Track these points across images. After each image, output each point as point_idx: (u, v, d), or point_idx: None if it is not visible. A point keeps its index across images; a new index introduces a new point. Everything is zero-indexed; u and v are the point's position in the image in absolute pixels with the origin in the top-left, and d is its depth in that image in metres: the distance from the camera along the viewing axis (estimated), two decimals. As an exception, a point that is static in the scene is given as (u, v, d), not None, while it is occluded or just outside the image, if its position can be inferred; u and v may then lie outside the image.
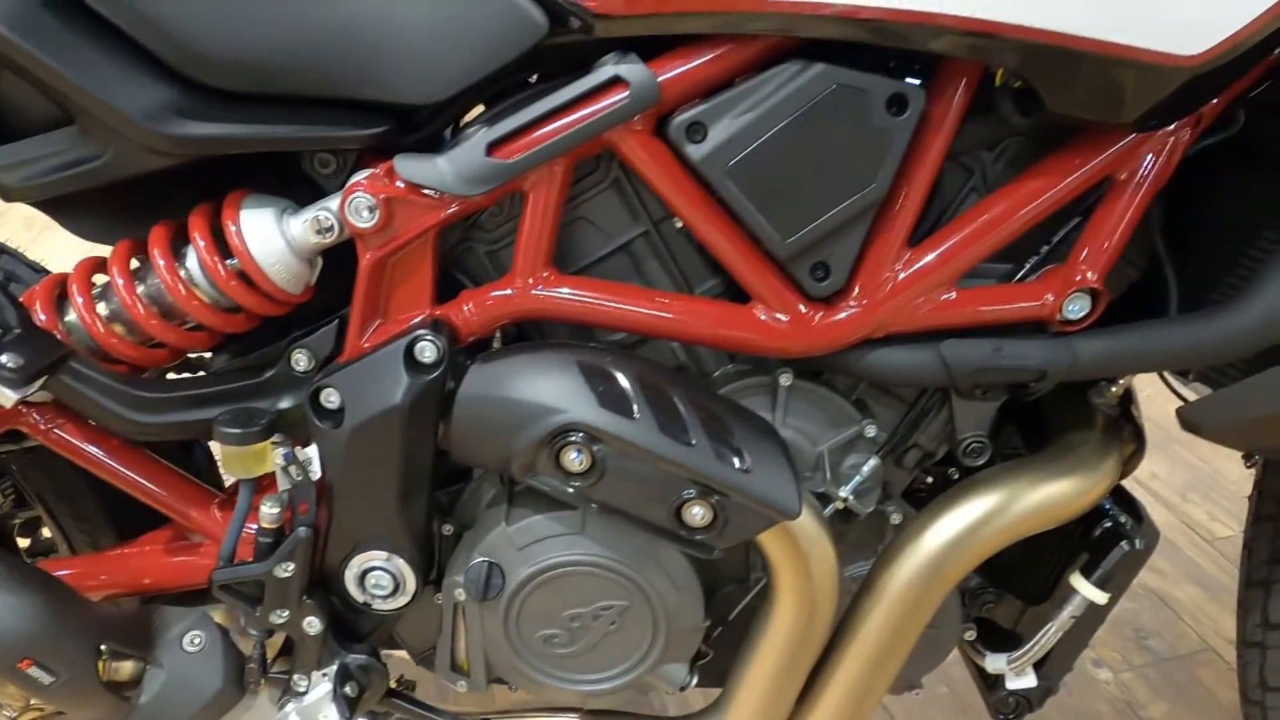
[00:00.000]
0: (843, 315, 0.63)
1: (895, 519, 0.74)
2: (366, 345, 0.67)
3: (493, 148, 0.61)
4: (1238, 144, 0.63)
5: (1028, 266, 0.66)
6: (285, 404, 0.69)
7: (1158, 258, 0.67)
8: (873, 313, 0.63)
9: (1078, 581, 0.73)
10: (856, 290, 0.63)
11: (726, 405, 0.66)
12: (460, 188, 0.62)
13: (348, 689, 0.70)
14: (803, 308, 0.63)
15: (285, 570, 0.68)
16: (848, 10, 0.53)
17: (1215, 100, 0.59)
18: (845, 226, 0.60)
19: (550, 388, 0.62)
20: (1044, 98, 0.56)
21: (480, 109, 0.67)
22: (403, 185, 0.62)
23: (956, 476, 0.74)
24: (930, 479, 0.79)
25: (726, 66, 0.59)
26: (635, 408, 0.61)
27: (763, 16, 0.55)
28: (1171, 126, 0.60)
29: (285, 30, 0.60)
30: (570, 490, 0.63)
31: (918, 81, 0.58)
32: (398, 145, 0.64)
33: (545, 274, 0.66)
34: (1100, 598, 0.73)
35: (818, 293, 0.63)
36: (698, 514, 0.62)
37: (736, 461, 0.61)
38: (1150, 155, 0.61)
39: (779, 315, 0.64)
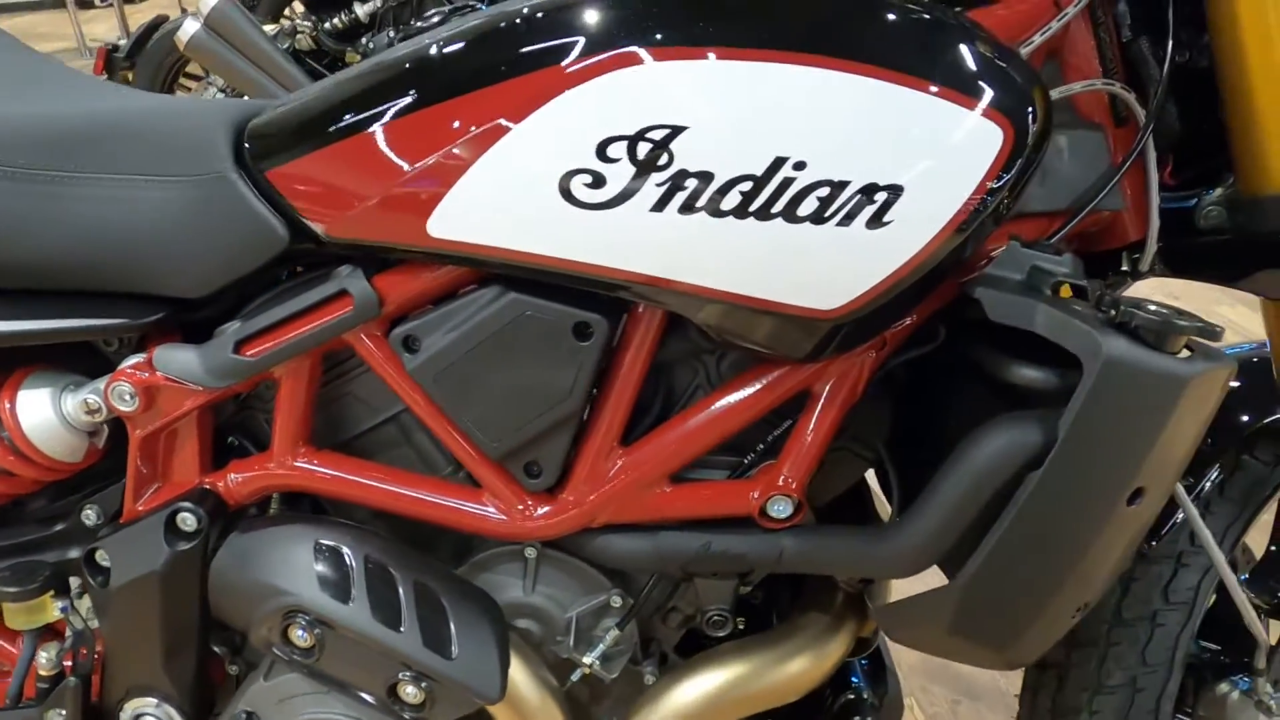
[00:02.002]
0: (560, 508, 0.68)
1: (649, 680, 0.78)
2: (141, 509, 0.73)
3: (239, 345, 0.67)
4: (948, 354, 0.67)
5: (746, 462, 0.70)
6: (74, 554, 0.76)
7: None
8: (588, 506, 0.67)
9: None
10: (571, 485, 0.67)
11: (454, 587, 0.70)
12: (210, 380, 0.68)
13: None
14: (524, 498, 0.68)
15: (58, 715, 0.73)
16: (529, 257, 0.58)
17: (898, 324, 0.63)
18: (547, 433, 0.65)
19: (282, 569, 0.67)
20: (716, 336, 0.61)
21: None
22: (160, 375, 0.68)
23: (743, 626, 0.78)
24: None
25: (447, 282, 0.65)
26: (354, 592, 0.66)
27: (449, 254, 0.60)
28: (856, 351, 0.64)
29: (53, 234, 0.66)
30: (300, 663, 0.68)
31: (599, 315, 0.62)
32: (182, 324, 0.70)
33: (301, 450, 0.71)
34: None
35: (533, 488, 0.67)
36: (410, 693, 0.67)
37: (443, 648, 0.66)
38: (838, 375, 0.65)
39: (503, 504, 0.68)
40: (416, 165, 0.59)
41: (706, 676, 0.73)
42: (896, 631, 0.67)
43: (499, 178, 0.57)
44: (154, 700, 0.74)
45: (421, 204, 0.59)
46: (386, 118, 0.60)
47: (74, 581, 0.75)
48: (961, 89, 0.53)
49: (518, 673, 0.72)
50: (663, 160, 0.54)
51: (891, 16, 0.55)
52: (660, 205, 0.54)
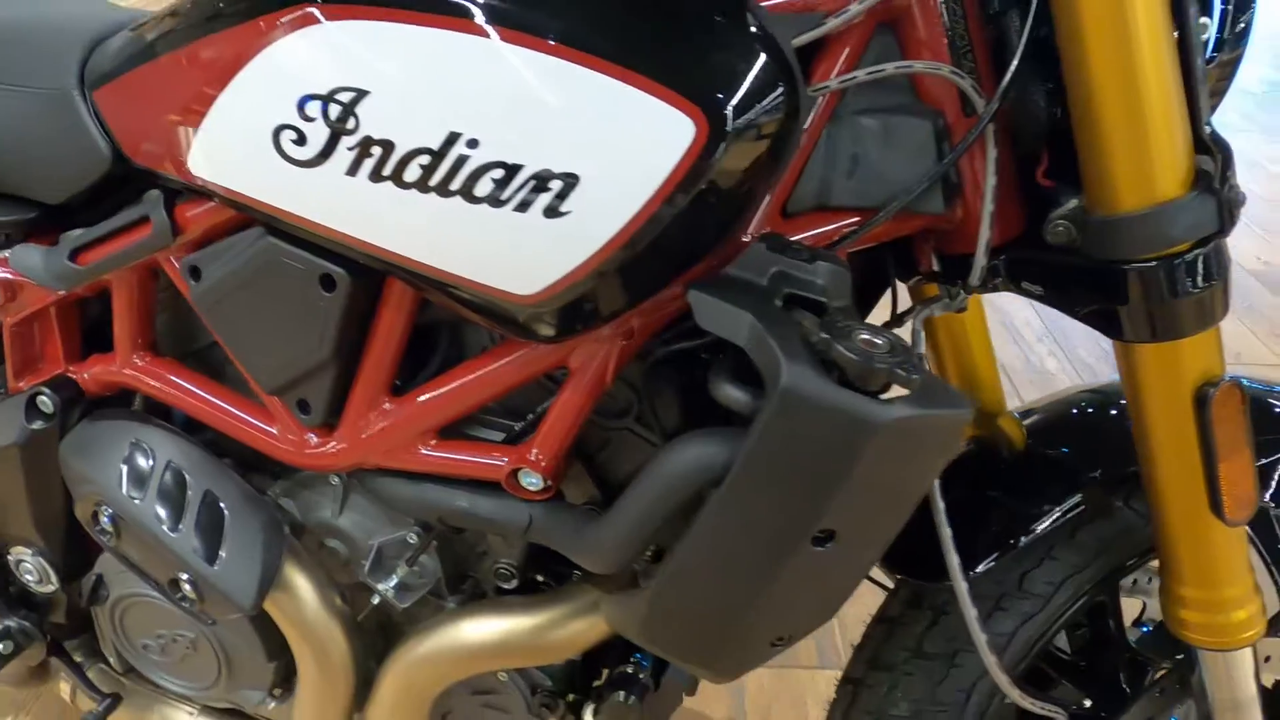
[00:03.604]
0: (330, 445, 0.70)
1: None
2: (19, 387, 0.82)
3: (75, 253, 0.73)
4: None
5: (517, 430, 0.69)
6: None
7: None
8: (356, 449, 0.70)
9: (588, 717, 0.78)
10: (343, 426, 0.70)
11: (241, 503, 0.75)
12: (50, 281, 0.74)
13: (2, 646, 0.88)
14: (301, 431, 0.71)
15: (-43, 552, 0.86)
16: (259, 205, 0.59)
17: (632, 312, 0.59)
18: (308, 376, 0.67)
19: (97, 461, 0.75)
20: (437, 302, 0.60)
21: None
22: (13, 272, 0.75)
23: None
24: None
25: (234, 219, 0.67)
26: (147, 492, 0.72)
27: (212, 194, 0.62)
28: (599, 336, 0.61)
29: None
30: (107, 545, 0.75)
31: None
32: (61, 228, 0.77)
33: (139, 355, 0.77)
34: (601, 734, 0.77)
35: (307, 423, 0.70)
36: (186, 589, 0.73)
37: (210, 555, 0.71)
38: (587, 358, 0.62)
39: (286, 432, 0.72)
40: (177, 103, 0.60)
41: (475, 622, 0.74)
42: (613, 623, 0.66)
43: (230, 124, 0.58)
44: (29, 551, 0.86)
45: (181, 142, 0.61)
46: (164, 53, 0.62)
47: None
48: (651, 74, 0.48)
49: (307, 590, 0.77)
50: (351, 124, 0.52)
51: None
52: (353, 170, 0.53)
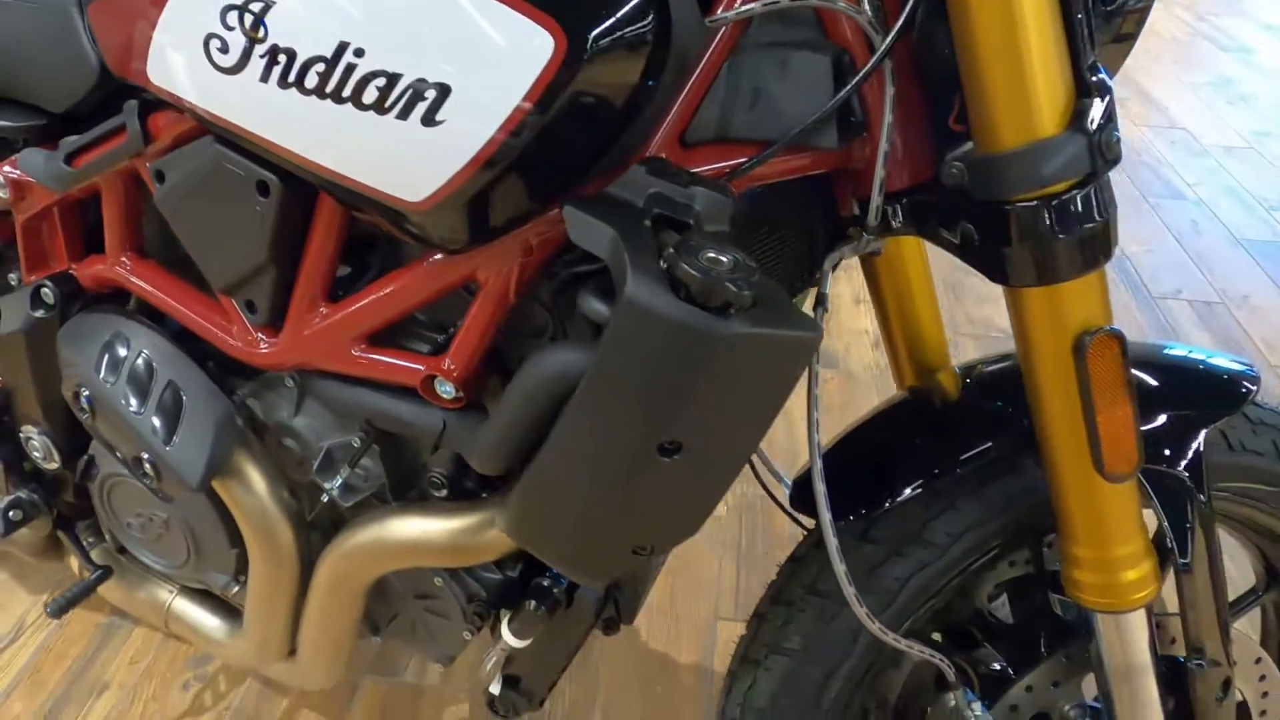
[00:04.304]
0: (275, 345, 0.76)
1: (392, 515, 0.87)
2: (30, 280, 0.91)
3: (69, 158, 0.80)
4: None
5: (440, 341, 0.73)
6: None
7: None
8: (297, 349, 0.75)
9: (504, 624, 0.82)
10: (286, 327, 0.75)
11: (200, 394, 0.81)
12: (49, 182, 0.82)
13: (12, 514, 0.98)
14: (250, 330, 0.77)
15: (-12, 419, 0.96)
16: (199, 110, 0.64)
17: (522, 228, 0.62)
18: (252, 278, 0.72)
19: (82, 349, 0.82)
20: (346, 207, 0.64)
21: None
22: (21, 172, 0.83)
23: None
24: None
25: (197, 126, 0.72)
26: (117, 377, 0.80)
27: (170, 102, 0.68)
28: (504, 253, 0.64)
29: None
30: (87, 424, 0.83)
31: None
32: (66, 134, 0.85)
33: (126, 255, 0.84)
34: (515, 643, 0.81)
35: (253, 323, 0.76)
36: (148, 467, 0.80)
37: (167, 436, 0.78)
38: (493, 274, 0.65)
39: (237, 331, 0.77)
40: (138, 14, 0.66)
41: (400, 521, 0.79)
42: (499, 524, 0.69)
43: (173, 33, 0.63)
44: (36, 430, 0.95)
45: (142, 49, 0.67)
46: (132, -33, 0.67)
47: None
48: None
49: (258, 482, 0.83)
50: (261, 33, 0.57)
51: None
52: (265, 77, 0.58)
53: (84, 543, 1.02)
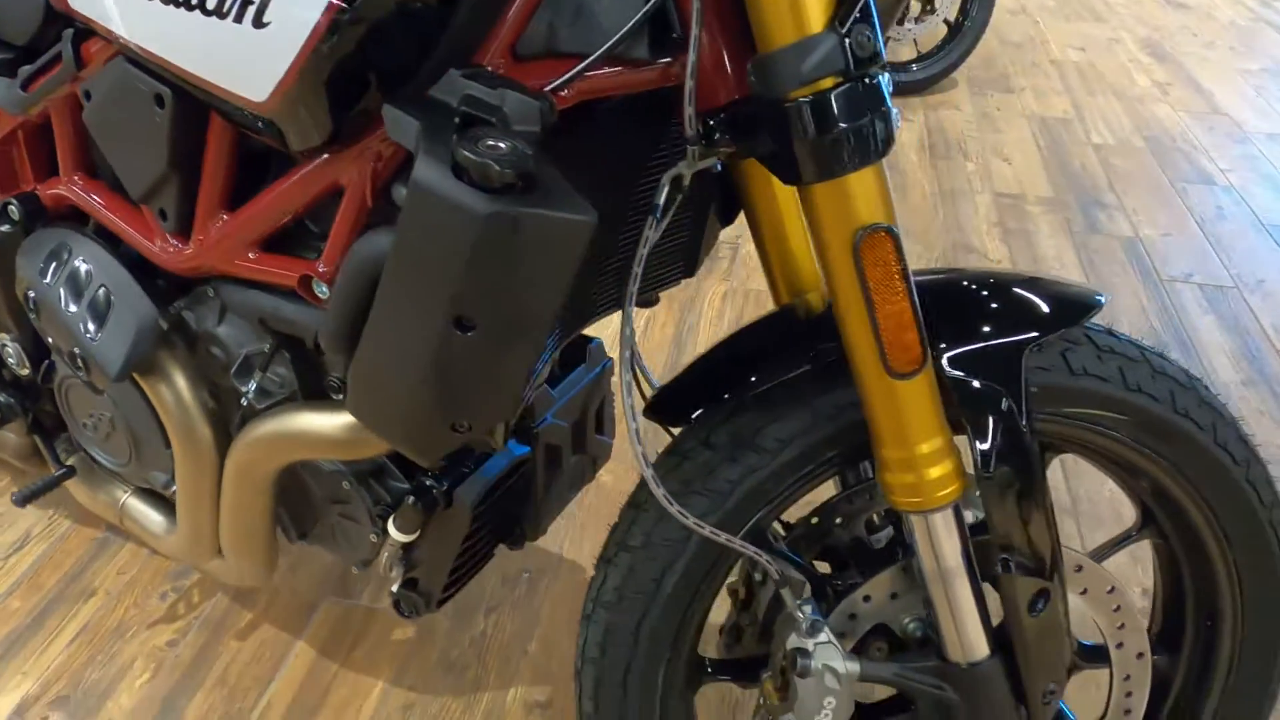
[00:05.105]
0: (184, 250, 0.84)
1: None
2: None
3: (25, 84, 0.90)
4: None
5: (323, 245, 0.80)
6: None
7: None
8: (202, 254, 0.83)
9: (390, 520, 0.88)
10: (192, 235, 0.83)
11: (127, 297, 0.89)
12: (9, 107, 0.91)
13: (-10, 411, 1.10)
14: (164, 237, 0.85)
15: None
16: (104, 29, 0.73)
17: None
18: (158, 187, 0.80)
19: (31, 258, 0.92)
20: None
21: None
22: None
23: None
24: None
25: (115, 49, 0.81)
26: (57, 280, 0.89)
27: (88, 27, 0.76)
28: (359, 158, 0.70)
29: None
30: (33, 321, 0.93)
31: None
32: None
33: (76, 175, 0.94)
34: (400, 537, 0.88)
35: (166, 230, 0.84)
36: (79, 360, 0.89)
37: (93, 330, 0.87)
38: (356, 177, 0.71)
39: (155, 237, 0.86)
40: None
41: (296, 415, 0.86)
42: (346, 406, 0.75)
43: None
44: (9, 337, 1.06)
45: (60, -21, 0.75)
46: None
47: None
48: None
49: (180, 383, 0.91)
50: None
51: None
52: (140, -9, 0.65)
53: (56, 448, 1.13)
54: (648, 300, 0.99)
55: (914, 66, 3.10)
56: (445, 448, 0.69)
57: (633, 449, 0.67)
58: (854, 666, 0.74)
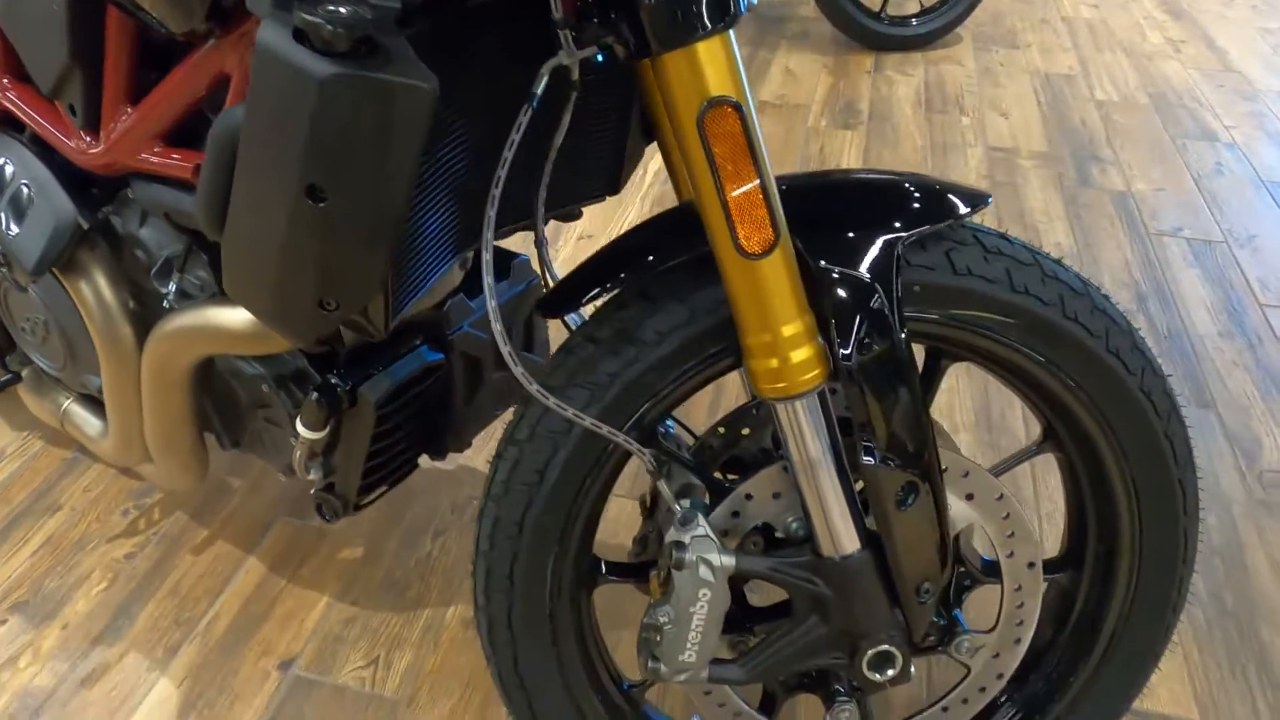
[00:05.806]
0: (94, 147, 0.86)
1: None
2: None
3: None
4: None
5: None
6: None
7: None
8: (110, 150, 0.85)
9: (298, 421, 0.90)
10: (101, 130, 0.85)
11: (47, 199, 0.91)
12: None
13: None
14: (76, 133, 0.87)
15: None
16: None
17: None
18: (65, 79, 0.82)
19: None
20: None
21: None
22: None
23: None
24: None
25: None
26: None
27: None
28: (242, 42, 0.71)
29: None
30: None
31: None
32: None
33: (5, 80, 0.96)
34: (307, 434, 0.90)
35: (78, 125, 0.86)
36: (2, 258, 0.92)
37: (10, 228, 0.89)
38: (234, 66, 0.73)
39: (67, 134, 0.88)
40: None
41: (208, 310, 0.88)
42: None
43: None
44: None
45: None
46: None
47: None
48: None
49: (102, 283, 0.94)
50: None
51: None
52: None
53: (7, 361, 1.16)
54: (569, 214, 1.00)
55: (914, 21, 3.04)
56: (317, 328, 0.70)
57: (497, 340, 0.68)
58: (729, 560, 0.75)
